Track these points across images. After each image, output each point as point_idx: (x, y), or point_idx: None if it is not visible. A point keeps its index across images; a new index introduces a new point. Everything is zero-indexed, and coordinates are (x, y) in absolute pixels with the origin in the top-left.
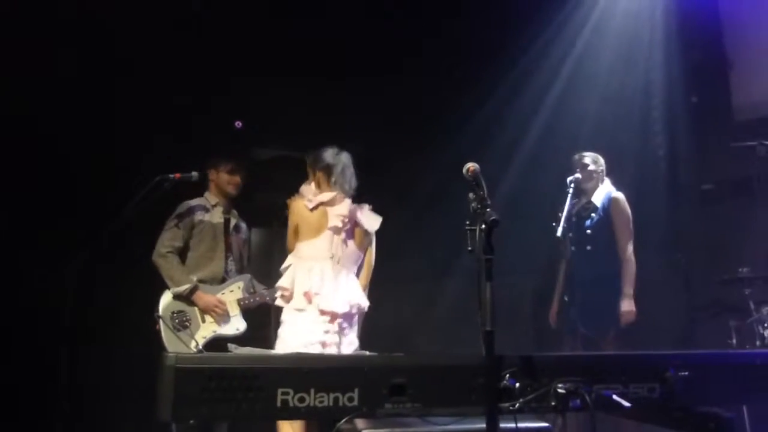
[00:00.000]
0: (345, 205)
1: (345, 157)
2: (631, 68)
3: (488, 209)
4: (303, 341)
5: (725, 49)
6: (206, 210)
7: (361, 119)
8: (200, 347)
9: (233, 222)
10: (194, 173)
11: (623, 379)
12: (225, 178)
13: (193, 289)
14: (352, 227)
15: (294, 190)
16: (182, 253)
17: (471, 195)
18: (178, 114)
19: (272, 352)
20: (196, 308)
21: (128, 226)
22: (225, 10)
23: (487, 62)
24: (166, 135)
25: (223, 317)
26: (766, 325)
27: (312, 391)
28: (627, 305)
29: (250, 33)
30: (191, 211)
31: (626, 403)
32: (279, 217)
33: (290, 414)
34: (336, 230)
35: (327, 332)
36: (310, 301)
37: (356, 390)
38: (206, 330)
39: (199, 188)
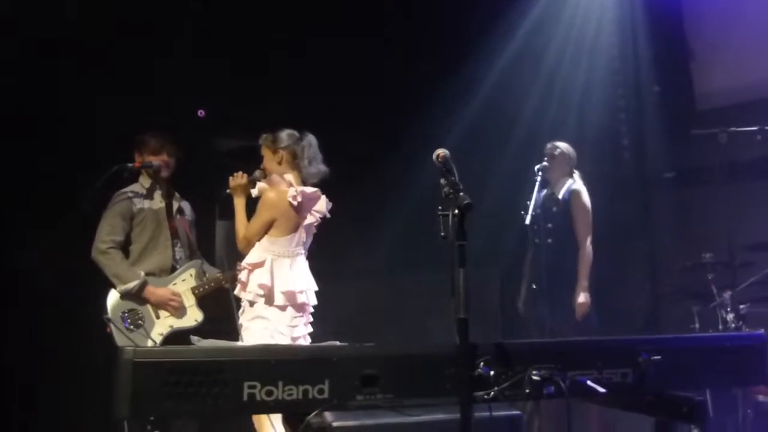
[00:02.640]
0: (323, 202)
1: (313, 139)
2: (594, 58)
3: (461, 194)
4: (282, 340)
5: (686, 38)
6: (144, 197)
7: (323, 106)
8: (158, 345)
9: (176, 205)
10: (155, 162)
11: (597, 365)
12: (150, 159)
13: (143, 285)
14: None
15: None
16: (124, 247)
17: (442, 180)
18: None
19: (237, 344)
20: (148, 304)
21: (85, 219)
22: None
23: (447, 49)
24: (122, 122)
25: (179, 310)
26: (728, 309)
27: (280, 384)
28: (582, 297)
29: (217, 12)
30: (128, 199)
31: (601, 389)
32: (224, 207)
33: (257, 408)
34: (312, 226)
35: (305, 325)
36: (291, 300)
37: (326, 382)
38: (162, 326)
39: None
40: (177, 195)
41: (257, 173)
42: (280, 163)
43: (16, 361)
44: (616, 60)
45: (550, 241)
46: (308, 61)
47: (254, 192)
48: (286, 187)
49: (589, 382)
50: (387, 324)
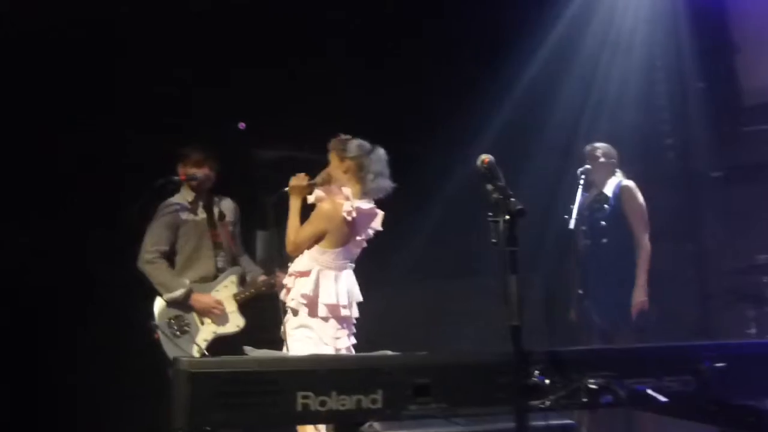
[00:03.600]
0: (379, 219)
1: (383, 154)
2: (634, 55)
3: (512, 199)
4: (327, 350)
5: (731, 33)
6: (187, 208)
7: (367, 119)
8: (204, 351)
9: (216, 212)
10: (198, 174)
11: (656, 372)
12: (193, 172)
13: (188, 293)
14: None
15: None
16: (169, 257)
17: (489, 186)
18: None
19: (290, 354)
20: (192, 312)
21: (131, 232)
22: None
23: (492, 50)
24: (162, 135)
25: (222, 317)
26: None
27: (333, 393)
28: (640, 295)
29: (250, 26)
30: (173, 210)
31: (662, 398)
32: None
33: (311, 418)
34: (363, 241)
35: (348, 337)
36: (334, 313)
37: (379, 391)
38: (206, 332)
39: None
40: (216, 199)
41: (319, 178)
42: (345, 172)
43: (60, 365)
44: (656, 57)
45: (604, 240)
46: (342, 66)
47: (311, 198)
48: (343, 199)
49: (649, 391)
50: (422, 332)
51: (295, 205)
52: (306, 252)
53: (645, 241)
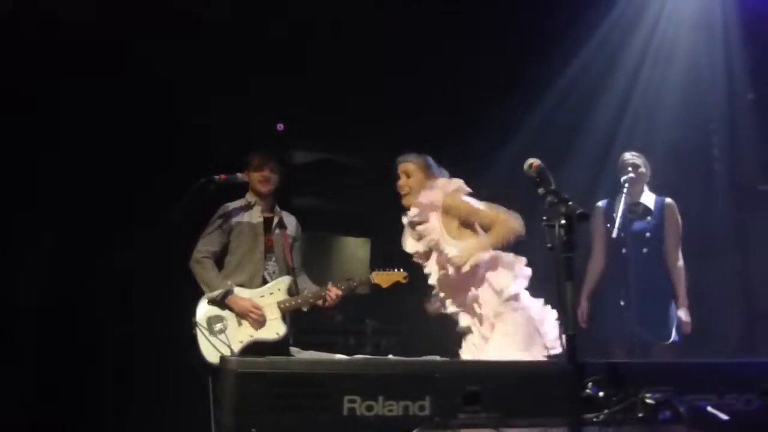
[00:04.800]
0: None
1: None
2: (688, 68)
3: (570, 202)
4: None
5: None
6: (246, 211)
7: (405, 119)
8: (235, 353)
9: (276, 220)
10: (239, 174)
11: (716, 389)
12: (254, 176)
13: (226, 294)
14: None
15: (333, 193)
16: (221, 258)
17: (540, 190)
18: (212, 117)
19: (337, 356)
20: (233, 313)
21: (175, 230)
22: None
23: (539, 57)
24: (205, 138)
25: (259, 321)
26: None
27: (380, 398)
28: (686, 315)
29: (284, 31)
30: (229, 213)
31: (724, 416)
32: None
33: (357, 423)
34: None
35: None
36: None
37: (427, 398)
38: (243, 335)
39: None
40: (279, 210)
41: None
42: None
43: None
44: (704, 67)
45: (645, 250)
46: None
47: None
48: None
49: (709, 408)
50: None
51: None
52: None
53: (681, 261)
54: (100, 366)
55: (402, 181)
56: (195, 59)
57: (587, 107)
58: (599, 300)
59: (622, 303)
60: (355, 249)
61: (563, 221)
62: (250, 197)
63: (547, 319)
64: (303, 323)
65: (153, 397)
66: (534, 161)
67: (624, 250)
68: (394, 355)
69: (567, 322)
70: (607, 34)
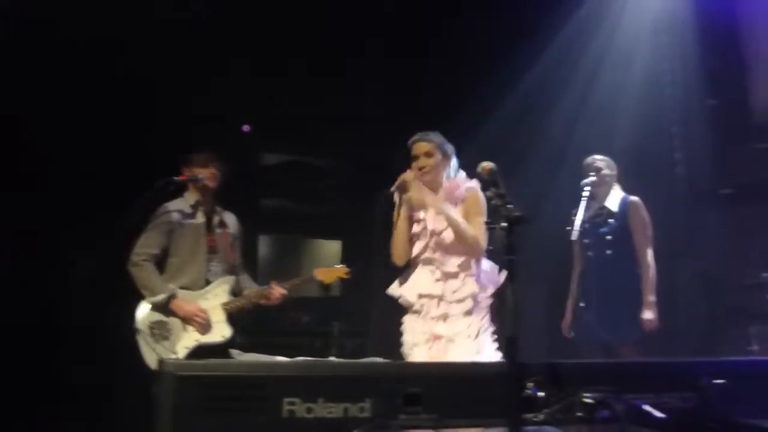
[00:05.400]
0: None
1: None
2: (648, 72)
3: (510, 205)
4: None
5: (743, 51)
6: (186, 211)
7: (370, 122)
8: (181, 359)
9: (216, 219)
10: (200, 175)
11: (654, 388)
12: (197, 173)
13: (170, 298)
14: None
15: (303, 195)
16: (162, 260)
17: (488, 193)
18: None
19: (278, 358)
20: (177, 317)
21: (132, 232)
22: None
23: (499, 63)
24: (164, 137)
25: (204, 326)
26: None
27: (320, 400)
28: (650, 313)
29: (253, 32)
30: (169, 213)
31: (659, 414)
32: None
33: (297, 425)
34: None
35: None
36: None
37: (368, 400)
38: (188, 340)
39: None
40: (218, 209)
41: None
42: (441, 170)
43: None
44: (667, 72)
45: (609, 252)
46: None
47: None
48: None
49: (646, 407)
50: None
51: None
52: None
53: (649, 259)
54: (55, 371)
55: (422, 162)
56: (158, 59)
57: (546, 111)
58: (567, 303)
59: (582, 305)
60: (327, 251)
61: (504, 224)
62: (191, 196)
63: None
64: (269, 326)
65: (101, 403)
66: (487, 164)
67: (590, 253)
68: (361, 357)
69: (509, 324)
70: (567, 39)
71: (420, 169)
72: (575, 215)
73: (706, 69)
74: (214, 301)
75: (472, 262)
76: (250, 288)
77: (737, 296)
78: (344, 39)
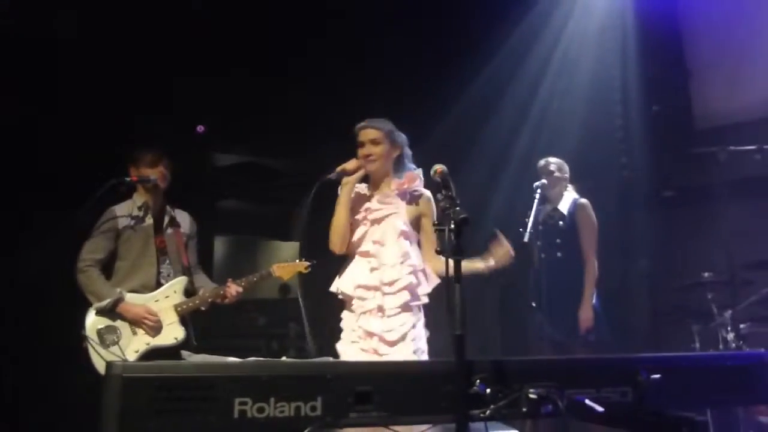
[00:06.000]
0: None
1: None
2: (593, 78)
3: (457, 208)
4: None
5: (685, 59)
6: (133, 213)
7: (317, 123)
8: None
9: (167, 219)
10: (152, 175)
11: (595, 384)
12: (147, 173)
13: (116, 302)
14: None
15: (260, 196)
16: (110, 264)
17: (439, 195)
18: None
19: (229, 359)
20: (126, 322)
21: (80, 234)
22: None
23: (448, 67)
24: (120, 137)
25: (155, 328)
26: (728, 329)
27: (272, 400)
28: (586, 311)
29: (207, 31)
30: (116, 217)
31: (599, 408)
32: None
33: (248, 425)
34: None
35: None
36: None
37: (319, 399)
38: (138, 343)
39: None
40: (169, 209)
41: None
42: (394, 161)
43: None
44: (615, 79)
45: (559, 254)
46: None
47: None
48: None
49: (587, 401)
50: None
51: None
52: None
53: (592, 259)
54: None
55: (367, 149)
56: (113, 59)
57: (491, 115)
58: (520, 303)
59: (533, 304)
60: (284, 252)
61: (452, 226)
62: (139, 198)
63: None
64: (226, 327)
65: (50, 409)
66: (439, 167)
67: (543, 255)
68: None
69: (455, 323)
70: (514, 44)
71: (366, 156)
72: (528, 217)
73: (650, 76)
74: (165, 303)
75: (411, 255)
76: (206, 288)
77: (680, 295)
78: (304, 40)
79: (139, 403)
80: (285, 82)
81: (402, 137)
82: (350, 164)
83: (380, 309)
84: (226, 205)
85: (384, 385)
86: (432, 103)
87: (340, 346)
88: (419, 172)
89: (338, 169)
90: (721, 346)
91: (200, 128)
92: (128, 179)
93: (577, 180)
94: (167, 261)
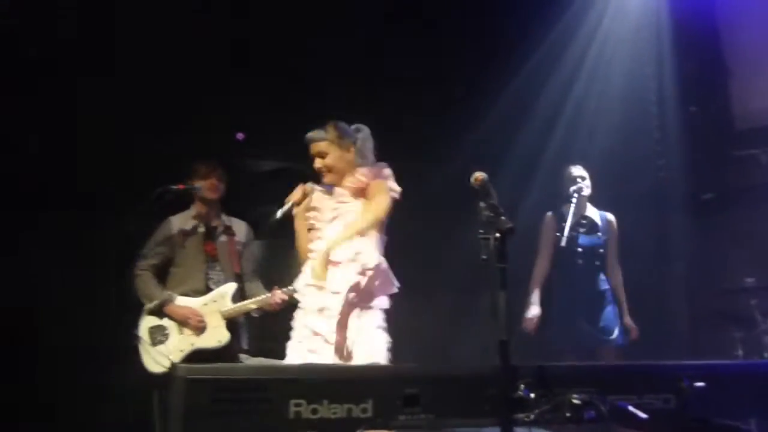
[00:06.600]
0: None
1: (368, 132)
2: (628, 78)
3: (502, 217)
4: None
5: (724, 57)
6: (187, 222)
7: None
8: (174, 363)
9: (221, 228)
10: (197, 184)
11: (638, 390)
12: (201, 185)
13: (164, 303)
14: None
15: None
16: (164, 270)
17: (481, 204)
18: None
19: (284, 362)
20: (175, 322)
21: (129, 240)
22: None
23: (476, 65)
24: (161, 146)
25: (199, 328)
26: None
27: (325, 402)
28: (631, 320)
29: (246, 38)
30: (172, 225)
31: (642, 414)
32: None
33: (303, 426)
34: None
35: None
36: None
37: (370, 401)
38: (184, 343)
39: None
40: (225, 218)
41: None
42: (349, 160)
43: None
44: (651, 78)
45: (598, 263)
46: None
47: (351, 182)
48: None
49: (630, 407)
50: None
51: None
52: (369, 241)
53: (620, 271)
54: (41, 377)
55: (318, 164)
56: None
57: (526, 116)
58: (550, 309)
59: (575, 312)
60: None
61: (497, 235)
62: (194, 208)
63: None
64: (281, 333)
65: (94, 410)
66: (479, 175)
67: (580, 261)
68: None
69: (500, 329)
70: (548, 47)
71: (319, 170)
72: (563, 222)
73: (688, 76)
74: (213, 307)
75: (365, 252)
76: (257, 295)
77: (721, 301)
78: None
79: (202, 404)
80: (323, 86)
81: (350, 133)
82: (296, 194)
83: (324, 309)
84: (263, 212)
85: (431, 388)
86: (475, 102)
87: (289, 344)
88: (382, 165)
89: (286, 200)
90: (765, 354)
91: (240, 135)
92: (175, 187)
93: (613, 182)
94: (217, 267)
